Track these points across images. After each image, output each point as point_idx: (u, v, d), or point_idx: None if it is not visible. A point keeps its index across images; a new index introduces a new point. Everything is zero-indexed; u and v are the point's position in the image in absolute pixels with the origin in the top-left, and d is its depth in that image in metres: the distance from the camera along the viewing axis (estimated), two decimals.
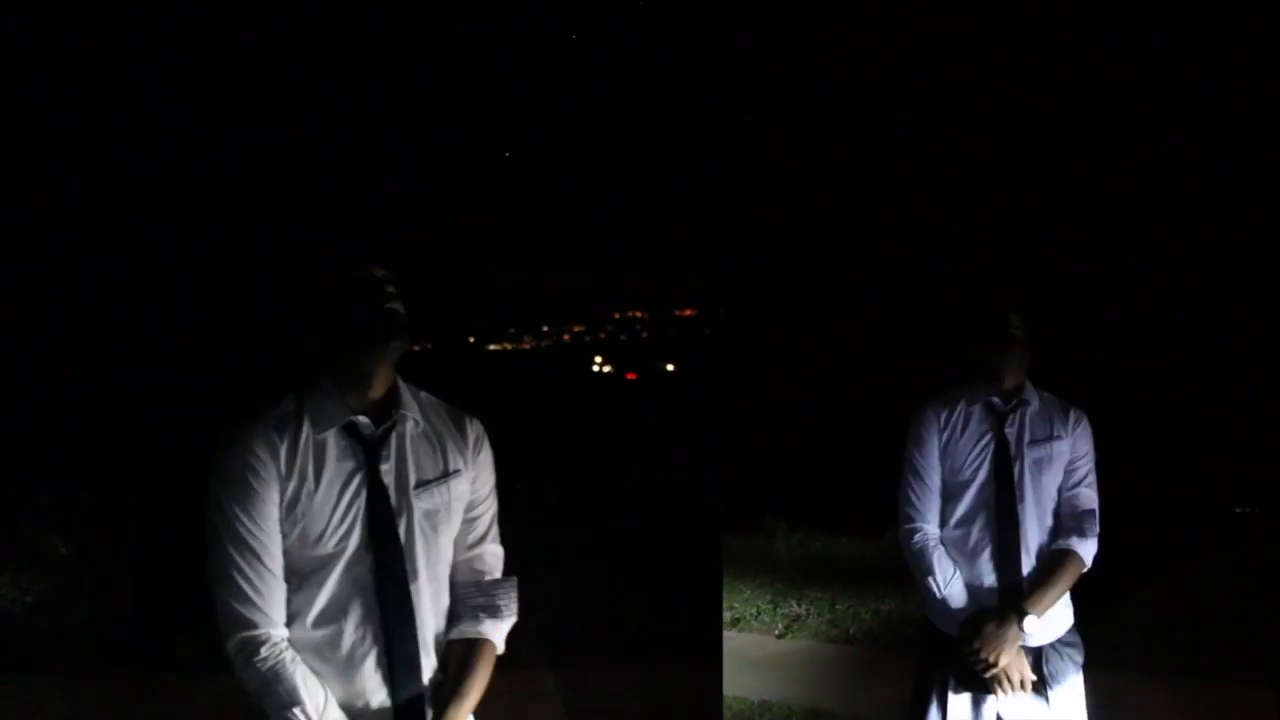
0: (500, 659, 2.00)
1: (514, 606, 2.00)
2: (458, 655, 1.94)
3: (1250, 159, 9.54)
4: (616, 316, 18.00)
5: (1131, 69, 10.04)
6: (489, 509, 2.04)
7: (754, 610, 5.86)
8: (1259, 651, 4.73)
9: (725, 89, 10.80)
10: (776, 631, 5.65)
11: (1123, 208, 10.21)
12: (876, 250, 10.65)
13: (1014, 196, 10.10)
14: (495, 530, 2.05)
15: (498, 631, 1.98)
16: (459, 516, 1.98)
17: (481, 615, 1.96)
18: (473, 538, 2.01)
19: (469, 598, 1.97)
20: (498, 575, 2.01)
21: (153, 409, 8.36)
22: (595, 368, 17.48)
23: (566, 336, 18.12)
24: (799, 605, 5.89)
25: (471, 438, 2.01)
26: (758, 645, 5.43)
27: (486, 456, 2.03)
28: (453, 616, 1.97)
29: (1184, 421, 9.43)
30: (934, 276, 9.86)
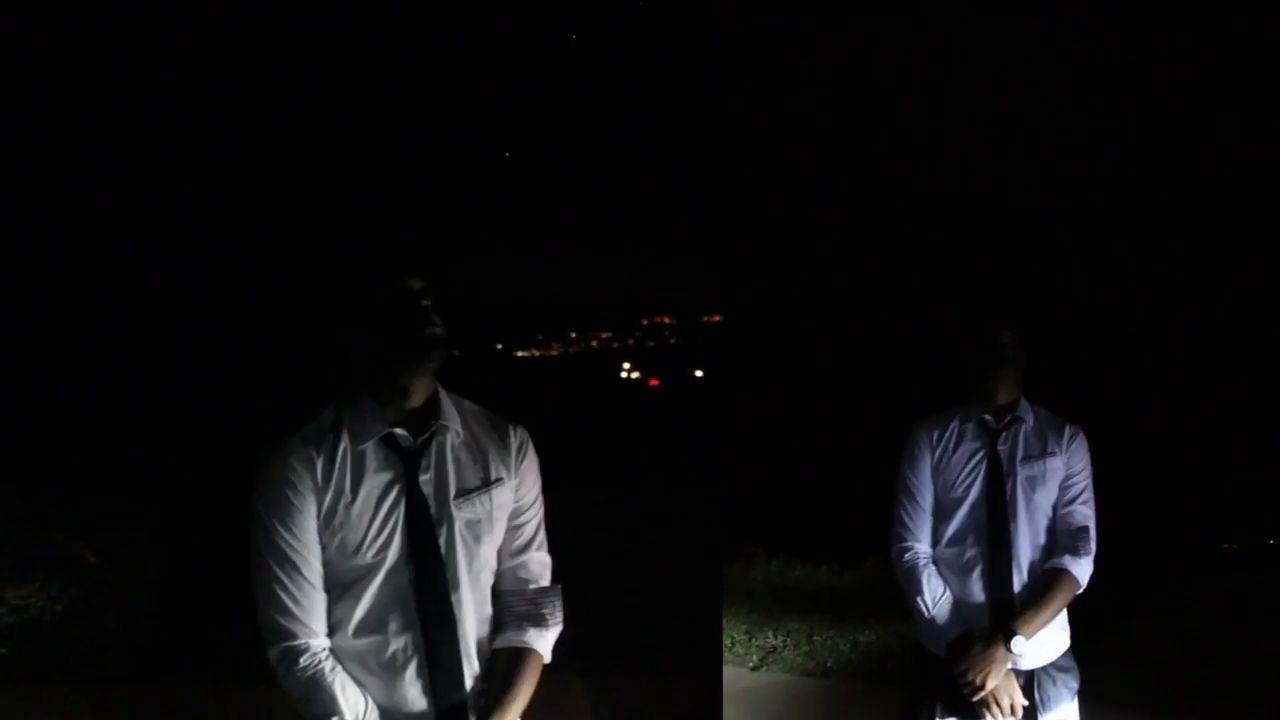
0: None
1: (559, 615, 1.98)
2: (502, 664, 1.92)
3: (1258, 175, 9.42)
4: (645, 323, 17.99)
5: (1132, 80, 9.95)
6: (534, 516, 2.01)
7: (728, 641, 5.64)
8: (1250, 688, 4.62)
9: (751, 96, 10.79)
10: (751, 664, 5.43)
11: (1123, 234, 10.12)
12: (879, 266, 10.61)
13: (1017, 214, 10.04)
14: (542, 538, 2.02)
15: (543, 640, 1.95)
16: (502, 525, 1.95)
17: (526, 624, 1.94)
18: (518, 545, 1.98)
19: (514, 606, 1.95)
20: (544, 583, 1.99)
21: (183, 417, 8.43)
22: (624, 374, 17.49)
23: (594, 343, 18.13)
24: (775, 637, 5.67)
25: (514, 445, 1.98)
26: (732, 678, 5.21)
27: (531, 464, 2.00)
28: (498, 625, 1.95)
29: (1171, 458, 9.33)
30: (931, 293, 9.81)
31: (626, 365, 17.66)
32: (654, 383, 17.37)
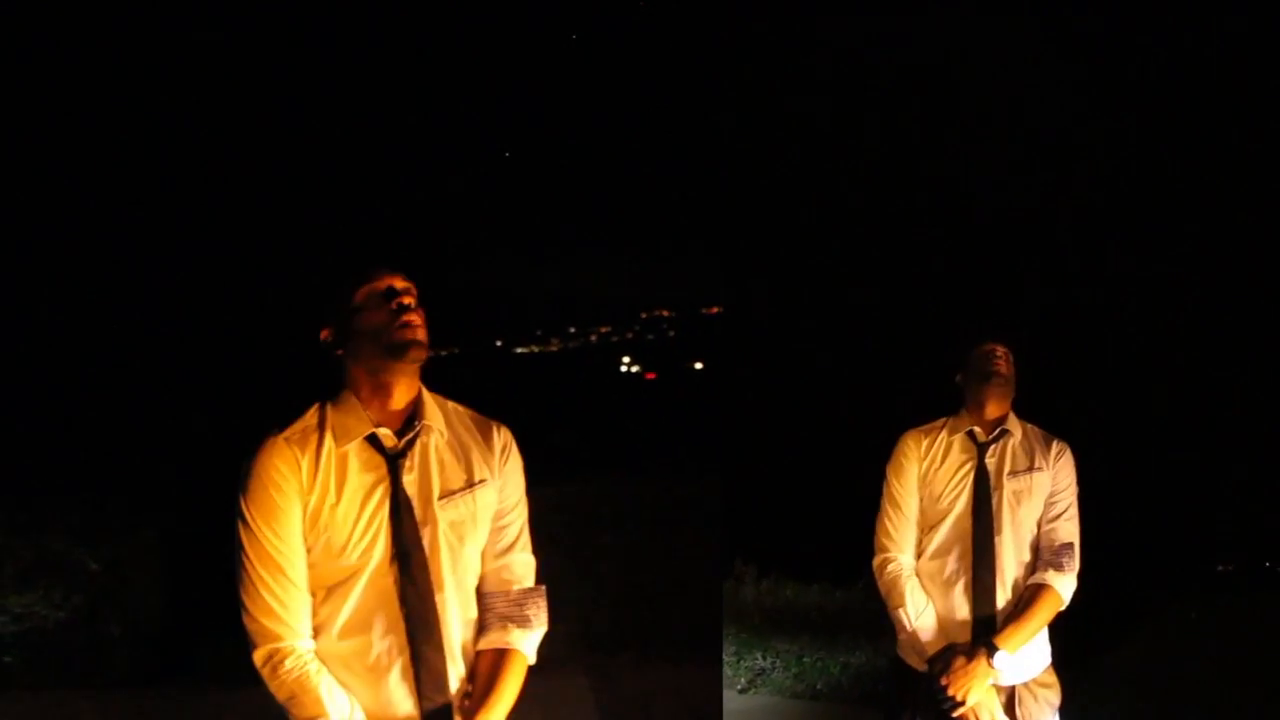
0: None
1: (543, 616, 1.97)
2: (485, 666, 1.92)
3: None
4: (644, 316, 17.98)
5: (1134, 91, 9.92)
6: (518, 517, 2.01)
7: None
8: (1242, 710, 4.59)
9: (751, 93, 10.78)
10: (739, 686, 5.32)
11: (1122, 249, 10.10)
12: (876, 262, 10.60)
13: (1015, 215, 10.03)
14: (526, 538, 2.02)
15: (526, 642, 1.95)
16: (486, 526, 1.95)
17: (509, 625, 1.94)
18: (502, 546, 1.98)
19: (497, 607, 1.95)
20: (528, 584, 1.98)
21: (183, 423, 8.43)
22: (623, 368, 17.48)
23: (594, 338, 18.13)
24: (764, 658, 5.55)
25: (498, 446, 1.98)
26: None
27: (515, 465, 2.00)
28: (482, 626, 1.95)
29: (1170, 479, 9.33)
30: (928, 291, 9.80)
31: (626, 359, 17.65)
32: (650, 376, 17.35)
